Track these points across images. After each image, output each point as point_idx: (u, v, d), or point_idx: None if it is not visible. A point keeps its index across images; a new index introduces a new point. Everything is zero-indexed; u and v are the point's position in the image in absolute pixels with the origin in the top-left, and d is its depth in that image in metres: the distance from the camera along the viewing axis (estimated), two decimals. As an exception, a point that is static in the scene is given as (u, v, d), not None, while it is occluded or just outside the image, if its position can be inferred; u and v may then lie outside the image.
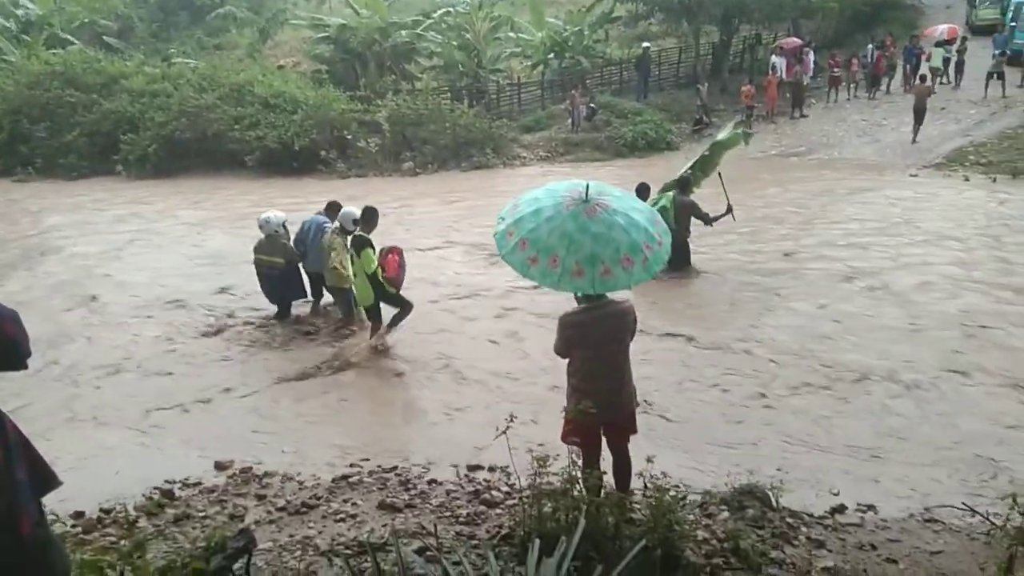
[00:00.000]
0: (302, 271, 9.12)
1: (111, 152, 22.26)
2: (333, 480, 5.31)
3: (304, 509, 4.82)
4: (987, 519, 4.41)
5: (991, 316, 8.29)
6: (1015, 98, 20.95)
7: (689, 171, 10.64)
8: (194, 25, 36.23)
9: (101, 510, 4.94)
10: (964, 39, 24.50)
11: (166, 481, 5.41)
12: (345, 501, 4.95)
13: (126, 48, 31.04)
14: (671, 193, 10.14)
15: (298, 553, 4.12)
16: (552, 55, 27.51)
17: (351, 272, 8.15)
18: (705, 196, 10.53)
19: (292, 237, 9.18)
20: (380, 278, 7.82)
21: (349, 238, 8.14)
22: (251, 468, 5.61)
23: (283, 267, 8.91)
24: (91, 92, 23.57)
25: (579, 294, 4.19)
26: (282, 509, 4.85)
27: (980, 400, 6.43)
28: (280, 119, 21.72)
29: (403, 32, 26.75)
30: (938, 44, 24.00)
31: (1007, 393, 6.52)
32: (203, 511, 4.92)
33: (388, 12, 27.12)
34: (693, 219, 10.10)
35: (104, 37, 32.33)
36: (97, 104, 23.15)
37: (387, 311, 8.10)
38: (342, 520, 4.63)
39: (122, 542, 3.91)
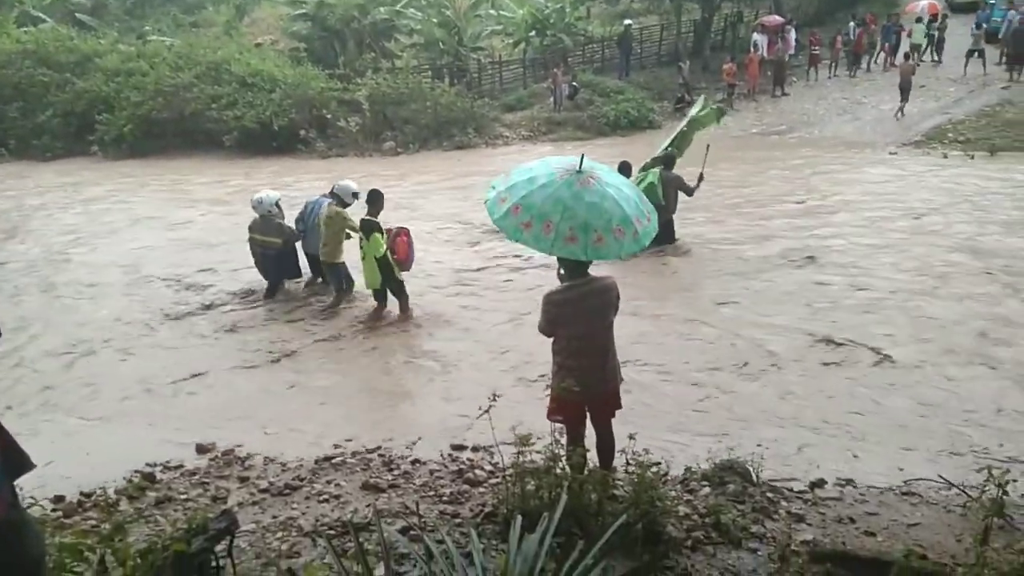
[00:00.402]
0: (299, 250, 9.12)
1: (86, 132, 21.91)
2: (316, 461, 5.30)
3: (287, 490, 4.80)
4: (963, 491, 4.49)
5: (964, 293, 8.38)
6: (993, 75, 21.09)
7: (669, 148, 10.77)
8: (169, 2, 35.56)
9: (82, 494, 4.90)
10: (944, 16, 24.58)
11: (147, 464, 5.37)
12: (328, 482, 4.94)
13: (100, 26, 30.40)
14: (657, 169, 10.22)
15: (281, 534, 4.11)
16: (534, 33, 27.32)
17: (360, 255, 8.12)
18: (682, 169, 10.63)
19: (292, 216, 9.15)
20: (391, 260, 7.88)
21: (357, 220, 8.09)
22: (233, 450, 5.58)
23: (280, 247, 8.87)
24: (64, 71, 23.15)
25: (562, 271, 4.23)
26: (265, 491, 4.83)
27: (955, 375, 6.51)
28: (258, 98, 21.46)
29: (382, 9, 26.42)
30: (919, 20, 24.06)
31: (981, 369, 6.61)
32: (185, 494, 4.89)
33: (367, -12, 26.75)
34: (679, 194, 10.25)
35: (77, 15, 31.63)
36: (71, 83, 22.75)
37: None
38: (325, 501, 4.63)
39: (103, 525, 3.88)
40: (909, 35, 24.19)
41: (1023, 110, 18.24)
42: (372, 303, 8.51)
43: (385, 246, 7.82)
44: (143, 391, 6.87)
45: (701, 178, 10.30)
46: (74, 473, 5.19)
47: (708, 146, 10.46)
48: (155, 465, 5.37)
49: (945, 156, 16.16)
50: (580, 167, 3.97)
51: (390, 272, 7.97)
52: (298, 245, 9.12)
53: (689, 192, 10.32)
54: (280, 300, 9.07)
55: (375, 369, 7.25)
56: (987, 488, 3.72)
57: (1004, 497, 3.75)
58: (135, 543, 3.24)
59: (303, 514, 4.44)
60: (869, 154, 17.21)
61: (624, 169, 9.54)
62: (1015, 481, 4.20)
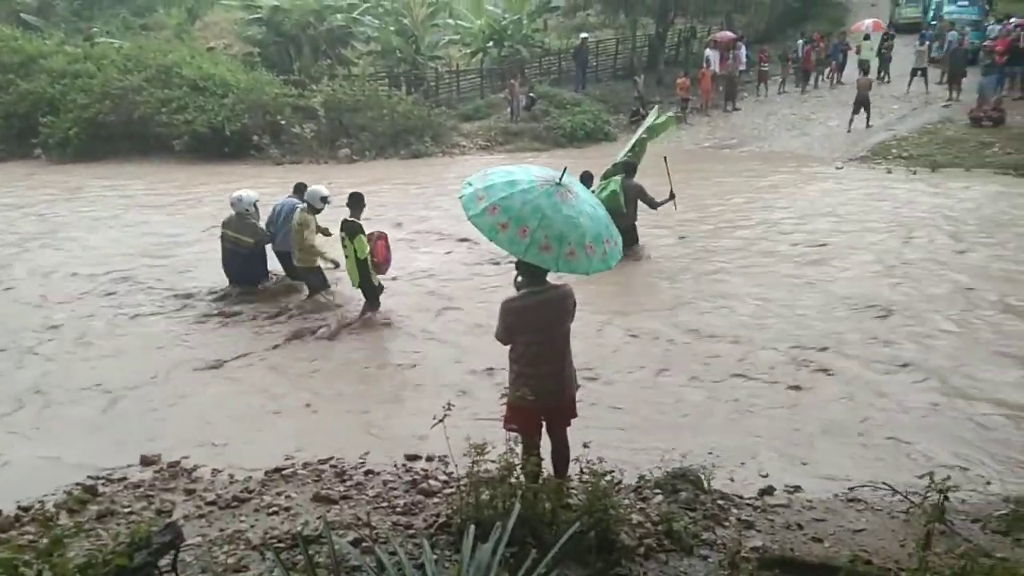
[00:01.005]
0: (269, 252, 9.18)
1: (30, 135, 21.23)
2: (266, 473, 5.20)
3: (235, 503, 4.70)
4: (906, 498, 4.61)
5: (908, 302, 8.63)
6: (935, 94, 21.86)
7: (629, 155, 10.98)
8: (119, 4, 34.67)
9: (19, 507, 4.73)
10: (891, 36, 25.41)
11: (89, 477, 5.21)
12: (278, 494, 4.85)
13: (46, 27, 29.49)
14: (619, 177, 10.38)
15: (228, 548, 4.02)
16: (491, 43, 27.42)
17: (342, 255, 8.26)
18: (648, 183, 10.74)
19: (265, 218, 9.24)
20: (370, 264, 8.01)
21: (339, 223, 8.15)
22: (179, 462, 5.45)
23: (251, 247, 8.94)
24: (7, 72, 22.41)
25: (520, 278, 4.26)
26: (212, 503, 4.72)
27: (897, 384, 6.69)
28: (210, 103, 21.06)
29: (338, 15, 26.20)
30: (866, 38, 24.88)
31: (923, 377, 6.80)
32: (128, 507, 4.76)
33: (323, -6, 26.52)
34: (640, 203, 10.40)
35: (21, 15, 30.65)
36: (14, 84, 22.02)
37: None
38: (275, 513, 4.54)
39: (41, 540, 3.74)
40: (857, 52, 24.98)
41: (962, 128, 18.92)
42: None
43: (368, 248, 7.96)
44: (86, 399, 6.66)
45: (672, 196, 10.40)
46: (10, 486, 5.01)
47: (665, 158, 10.61)
48: (97, 477, 5.22)
49: (889, 171, 16.66)
50: (560, 180, 4.05)
51: (367, 274, 8.08)
52: (268, 247, 9.18)
53: (653, 204, 10.46)
54: (235, 304, 8.92)
55: (330, 377, 7.14)
56: (929, 494, 3.82)
57: (945, 503, 3.87)
58: (74, 558, 3.13)
59: (251, 527, 4.35)
60: (817, 168, 17.65)
61: (586, 179, 9.71)
62: (956, 487, 4.34)
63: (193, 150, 20.57)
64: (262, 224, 9.16)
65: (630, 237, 10.19)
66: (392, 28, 27.52)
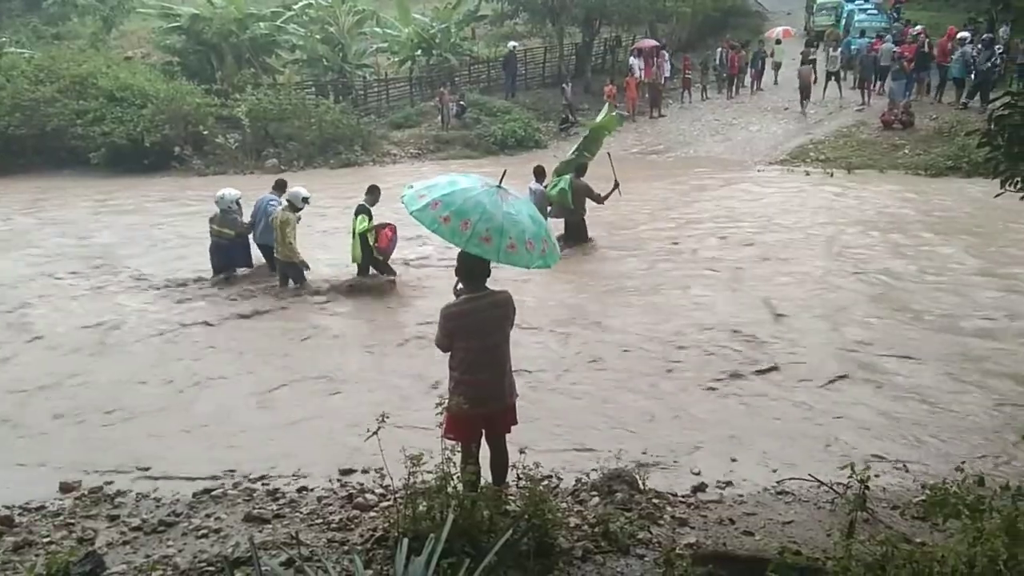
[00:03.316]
0: (251, 243, 10.14)
1: (-69, 149, 20.10)
2: (194, 495, 5.03)
3: (162, 527, 4.54)
4: (831, 488, 4.78)
5: (831, 297, 8.97)
6: (849, 99, 22.81)
7: (577, 153, 11.70)
8: (29, 12, 33.24)
9: (-76, 545, 4.45)
10: (803, 52, 26.40)
11: (4, 507, 4.93)
12: (208, 516, 4.70)
13: (-54, 35, 28.08)
14: (568, 176, 11.14)
15: (155, 574, 3.87)
16: (420, 52, 27.30)
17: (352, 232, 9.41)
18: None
19: (248, 213, 10.14)
20: (370, 243, 9.30)
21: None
22: (101, 487, 5.23)
23: (232, 238, 9.96)
24: (-94, 83, 21.16)
25: (459, 285, 4.31)
26: (137, 529, 4.54)
27: (819, 379, 6.92)
28: (128, 113, 20.38)
29: (262, 24, 25.68)
30: (778, 43, 26.19)
31: (843, 372, 7.05)
32: (47, 536, 4.53)
33: (245, 3, 25.94)
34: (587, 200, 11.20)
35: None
36: (-86, 96, 20.82)
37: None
38: (204, 536, 4.40)
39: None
40: (772, 55, 25.95)
41: (874, 131, 19.79)
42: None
43: (368, 225, 9.19)
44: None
45: (616, 185, 11.20)
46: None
47: (609, 154, 11.58)
48: (12, 507, 4.94)
49: (807, 174, 17.29)
50: (500, 182, 4.18)
51: (370, 252, 9.38)
52: (250, 238, 10.12)
53: (599, 200, 11.23)
54: (163, 313, 8.90)
55: (262, 391, 6.95)
56: (851, 484, 3.98)
57: (866, 492, 4.03)
58: (-14, 595, 2.97)
59: (179, 551, 4.20)
60: (740, 172, 18.20)
61: (538, 173, 11.15)
62: (877, 476, 4.52)
63: (111, 163, 19.87)
64: (246, 219, 10.09)
65: (581, 232, 11.32)
66: (318, 36, 27.13)
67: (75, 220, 14.47)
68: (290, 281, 9.67)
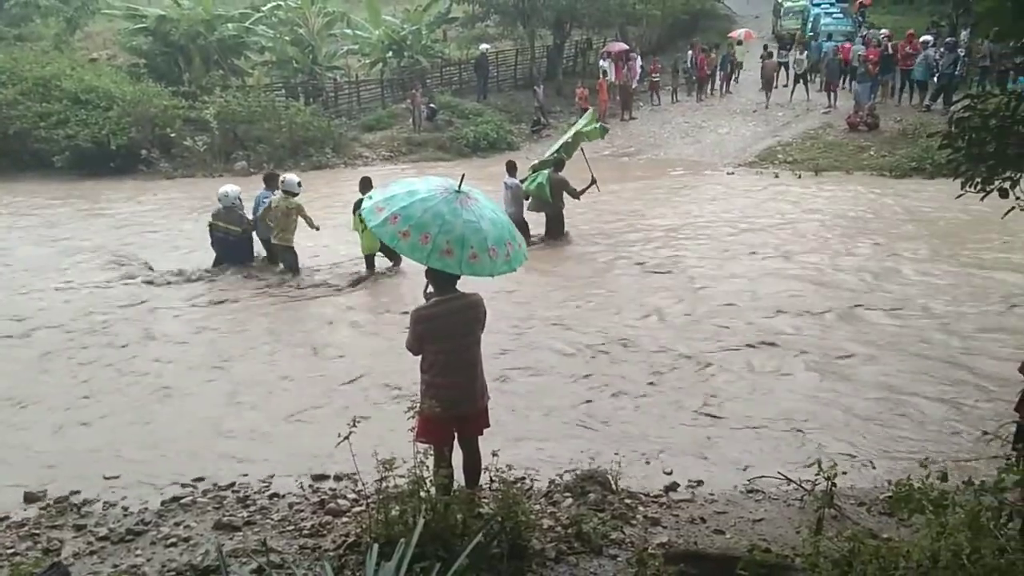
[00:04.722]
0: (256, 239, 10.56)
1: None
2: (163, 503, 4.96)
3: (130, 536, 4.47)
4: (800, 486, 4.85)
5: (798, 299, 9.10)
6: (816, 101, 23.14)
7: (556, 153, 12.12)
8: (-11, 13, 32.51)
9: None
10: (765, 46, 26.83)
11: (-35, 519, 4.83)
12: (177, 524, 4.64)
13: (-96, 36, 27.38)
14: (546, 171, 11.66)
15: (123, 584, 3.81)
16: (391, 54, 27.19)
17: (359, 227, 9.68)
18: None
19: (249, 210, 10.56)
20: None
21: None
22: (68, 497, 5.12)
23: (238, 234, 10.32)
24: None
25: (430, 288, 4.27)
26: (104, 538, 4.47)
27: (790, 376, 7.03)
28: (93, 116, 19.99)
29: (230, 25, 25.37)
30: (739, 43, 26.92)
31: (813, 369, 7.17)
32: (11, 548, 4.45)
33: (213, 4, 25.62)
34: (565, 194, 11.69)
35: None
36: None
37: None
38: (173, 545, 4.34)
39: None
40: (733, 55, 26.37)
41: (841, 133, 20.10)
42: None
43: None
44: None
45: (593, 180, 11.81)
46: None
47: (583, 149, 12.30)
48: (-25, 519, 4.84)
49: (776, 176, 17.52)
50: (460, 187, 4.10)
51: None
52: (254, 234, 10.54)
53: (575, 195, 11.71)
54: (134, 312, 8.93)
55: (233, 397, 6.87)
56: (819, 481, 4.03)
57: (834, 488, 4.09)
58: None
59: (148, 560, 4.15)
60: (709, 173, 18.38)
61: (511, 167, 11.69)
62: (844, 473, 4.60)
63: (76, 166, 19.49)
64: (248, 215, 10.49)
65: (559, 225, 11.88)
66: (287, 38, 26.89)
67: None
68: (281, 265, 10.28)
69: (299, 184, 10.23)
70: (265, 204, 10.12)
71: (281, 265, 10.36)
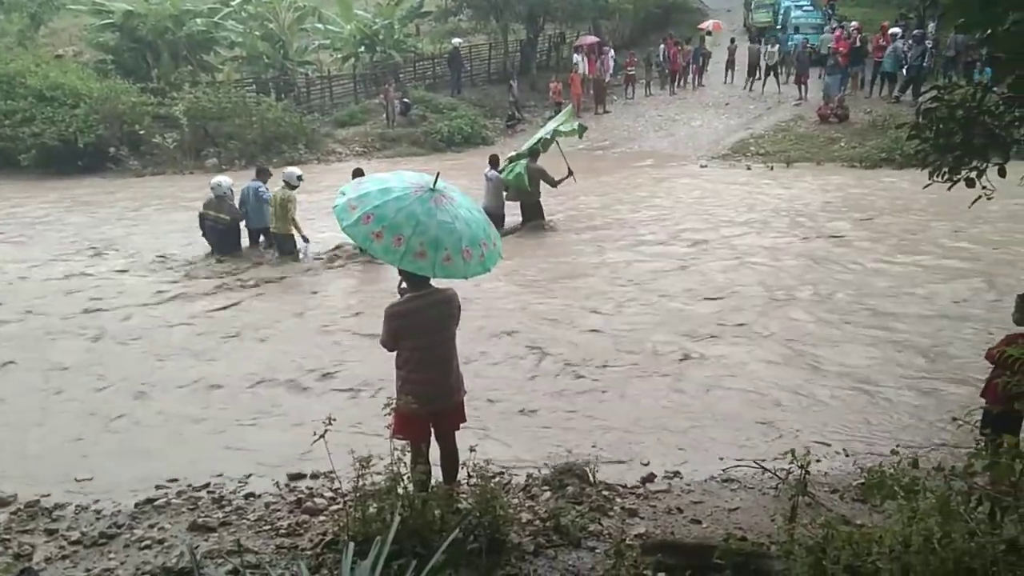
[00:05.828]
0: (242, 228, 11.01)
1: None
2: (136, 505, 4.88)
3: (103, 540, 4.39)
4: (775, 475, 4.90)
5: (769, 286, 9.19)
6: (787, 94, 23.37)
7: (534, 144, 12.56)
8: (-51, 9, 31.72)
9: None
10: (732, 40, 27.09)
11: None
12: (151, 526, 4.57)
13: None
14: (524, 161, 12.09)
15: (96, 588, 3.76)
16: (363, 48, 26.99)
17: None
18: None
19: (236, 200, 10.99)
20: None
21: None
22: (38, 501, 5.02)
23: (227, 223, 10.76)
24: None
25: (404, 284, 4.23)
26: (77, 542, 4.39)
27: (761, 367, 7.09)
28: (59, 113, 19.67)
29: (199, 20, 25.02)
30: (708, 34, 27.82)
31: (785, 359, 7.25)
32: (-19, 553, 4.35)
33: (181, -1, 25.27)
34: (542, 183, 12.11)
35: None
36: None
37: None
38: (147, 547, 4.27)
39: None
40: (704, 48, 26.73)
41: (811, 125, 20.34)
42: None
43: None
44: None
45: (570, 172, 12.14)
46: None
47: (557, 142, 12.71)
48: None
49: (749, 168, 17.68)
50: (434, 185, 4.03)
51: None
52: (242, 224, 11.01)
53: (553, 183, 12.11)
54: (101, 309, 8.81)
55: (207, 397, 6.77)
56: (792, 470, 4.08)
57: (807, 476, 4.14)
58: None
59: (122, 563, 4.08)
60: (683, 166, 18.50)
61: (493, 161, 12.07)
62: (818, 461, 4.66)
63: (43, 164, 19.16)
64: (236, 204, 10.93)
65: (537, 212, 12.34)
66: (257, 33, 26.61)
67: None
68: (274, 251, 10.82)
69: (299, 177, 10.67)
70: (262, 193, 10.72)
71: (276, 252, 10.87)
